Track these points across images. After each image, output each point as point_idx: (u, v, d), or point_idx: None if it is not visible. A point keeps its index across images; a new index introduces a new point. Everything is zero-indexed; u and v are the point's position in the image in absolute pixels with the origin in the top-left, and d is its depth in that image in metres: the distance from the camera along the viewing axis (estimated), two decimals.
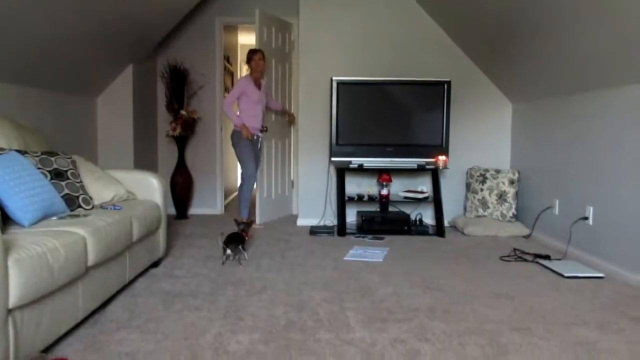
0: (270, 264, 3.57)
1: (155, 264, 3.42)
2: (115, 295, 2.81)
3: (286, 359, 2.06)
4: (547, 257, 3.71)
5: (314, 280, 3.16)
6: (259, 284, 3.07)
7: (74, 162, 2.99)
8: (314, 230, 4.68)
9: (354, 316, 2.54)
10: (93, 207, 2.89)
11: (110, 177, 3.25)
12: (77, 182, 2.88)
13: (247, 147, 4.77)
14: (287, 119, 5.53)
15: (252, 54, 4.79)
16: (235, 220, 3.83)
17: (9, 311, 1.76)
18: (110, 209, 2.90)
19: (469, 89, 5.09)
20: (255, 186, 4.90)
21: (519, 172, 4.80)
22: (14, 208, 2.29)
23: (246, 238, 3.67)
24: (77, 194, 2.81)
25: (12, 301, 1.76)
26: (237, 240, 3.55)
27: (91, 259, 2.34)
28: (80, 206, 2.80)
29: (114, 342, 2.20)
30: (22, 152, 2.64)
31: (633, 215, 3.20)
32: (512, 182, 4.73)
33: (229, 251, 3.48)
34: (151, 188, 3.41)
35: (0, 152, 2.44)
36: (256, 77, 4.83)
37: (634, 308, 2.71)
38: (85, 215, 2.60)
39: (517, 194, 4.75)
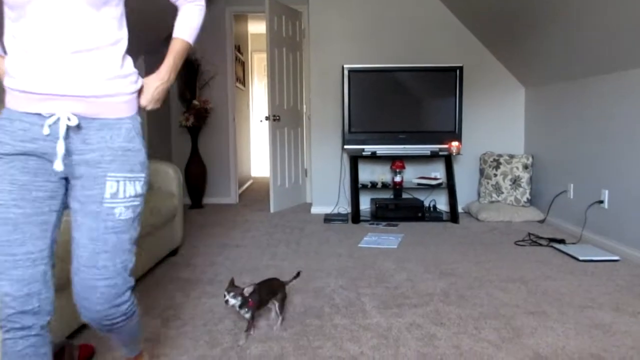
0: (286, 251, 3.60)
1: (173, 253, 3.47)
2: (135, 283, 2.86)
3: (304, 343, 2.10)
4: (561, 241, 3.70)
5: (329, 267, 3.19)
6: (275, 272, 3.10)
7: None
8: (328, 218, 4.71)
9: (369, 302, 2.57)
10: None
11: None
12: None
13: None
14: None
15: None
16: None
17: None
18: None
19: (481, 74, 5.06)
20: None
21: (532, 157, 4.77)
22: None
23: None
24: None
25: None
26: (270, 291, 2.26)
27: None
28: None
29: None
30: None
31: None
32: (526, 167, 4.71)
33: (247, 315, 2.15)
34: (167, 178, 3.45)
35: None
36: None
37: None
38: None
39: (531, 178, 4.73)
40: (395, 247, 3.69)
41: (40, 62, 1.23)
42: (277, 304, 2.27)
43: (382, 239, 3.91)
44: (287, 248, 3.70)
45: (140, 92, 1.42)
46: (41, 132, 1.25)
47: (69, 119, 1.25)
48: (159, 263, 3.28)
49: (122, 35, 1.36)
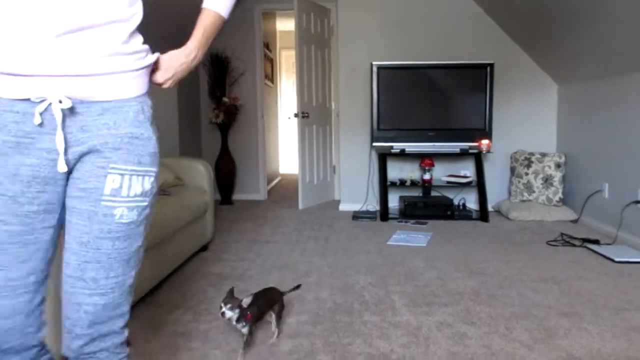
0: (315, 248, 3.62)
1: (204, 248, 3.53)
2: (167, 277, 2.92)
3: (334, 340, 2.11)
4: (596, 242, 3.62)
5: (358, 264, 3.19)
6: (304, 268, 3.12)
7: None
8: (356, 215, 4.71)
9: (399, 299, 2.57)
10: None
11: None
12: None
13: None
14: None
15: None
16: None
17: None
18: (159, 194, 3.01)
19: (512, 71, 4.97)
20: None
21: (565, 156, 4.68)
22: None
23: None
24: None
25: None
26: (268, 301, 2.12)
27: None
28: None
29: (169, 322, 2.30)
30: None
31: None
32: (558, 166, 4.62)
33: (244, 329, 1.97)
34: (198, 174, 3.51)
35: None
36: None
37: None
38: None
39: (563, 177, 4.63)
40: (425, 245, 3.67)
41: (30, 38, 0.96)
42: (274, 316, 2.12)
43: (411, 237, 3.89)
44: (316, 244, 3.72)
45: (155, 68, 1.18)
46: (34, 124, 1.01)
47: (60, 102, 0.99)
48: (190, 258, 3.34)
49: (135, 11, 1.09)
